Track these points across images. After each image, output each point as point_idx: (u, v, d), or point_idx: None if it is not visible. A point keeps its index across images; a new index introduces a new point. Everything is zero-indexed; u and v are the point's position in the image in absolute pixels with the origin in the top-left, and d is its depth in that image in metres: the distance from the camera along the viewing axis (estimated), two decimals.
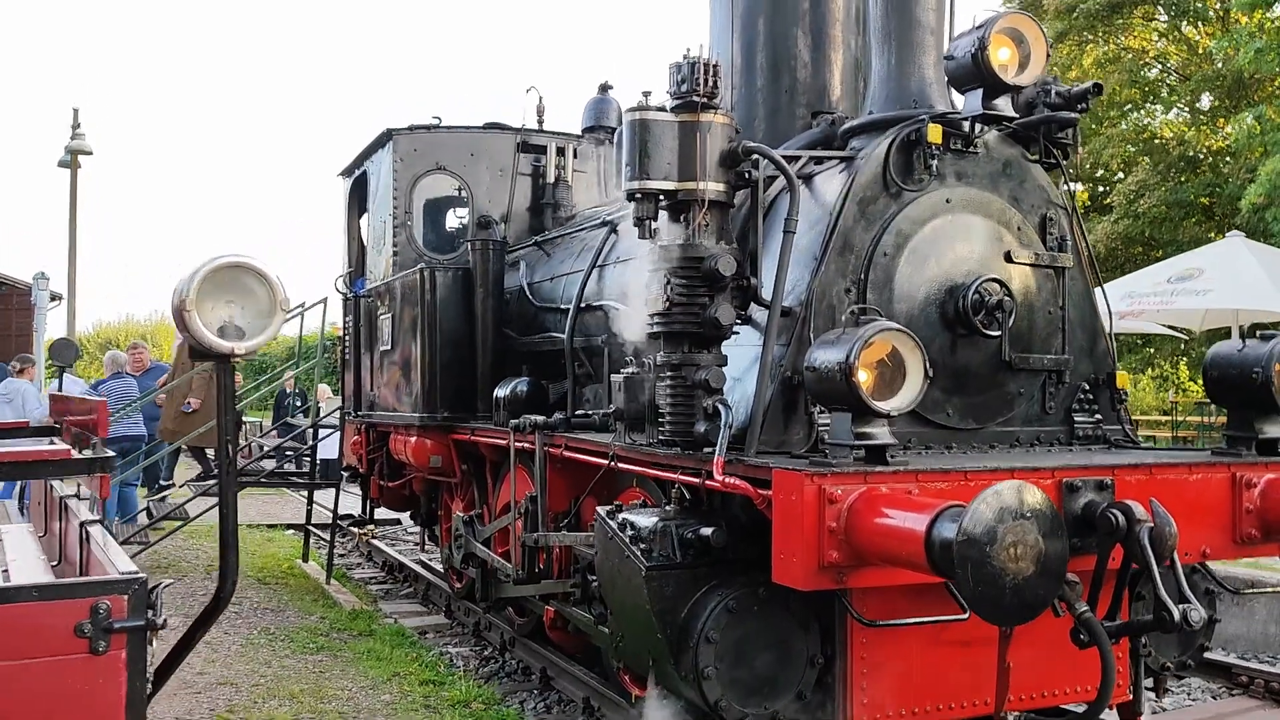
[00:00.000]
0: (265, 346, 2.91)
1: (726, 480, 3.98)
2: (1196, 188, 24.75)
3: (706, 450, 4.25)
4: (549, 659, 6.63)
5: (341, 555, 11.85)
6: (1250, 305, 13.47)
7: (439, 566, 9.66)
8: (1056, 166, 4.99)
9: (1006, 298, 4.52)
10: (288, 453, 13.78)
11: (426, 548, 10.62)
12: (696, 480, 4.32)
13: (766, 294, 4.44)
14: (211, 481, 10.44)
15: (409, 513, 10.19)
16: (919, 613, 3.99)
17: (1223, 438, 4.62)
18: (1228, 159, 24.42)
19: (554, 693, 6.40)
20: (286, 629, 7.45)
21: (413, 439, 7.82)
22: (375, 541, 11.91)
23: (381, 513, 13.04)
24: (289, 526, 12.79)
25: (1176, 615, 3.63)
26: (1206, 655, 6.91)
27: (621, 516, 4.42)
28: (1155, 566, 3.70)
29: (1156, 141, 25.71)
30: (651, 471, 4.71)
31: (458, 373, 7.62)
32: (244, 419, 21.27)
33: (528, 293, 7.58)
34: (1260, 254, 14.22)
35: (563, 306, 6.92)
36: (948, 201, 4.67)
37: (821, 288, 4.45)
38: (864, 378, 3.73)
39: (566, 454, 5.72)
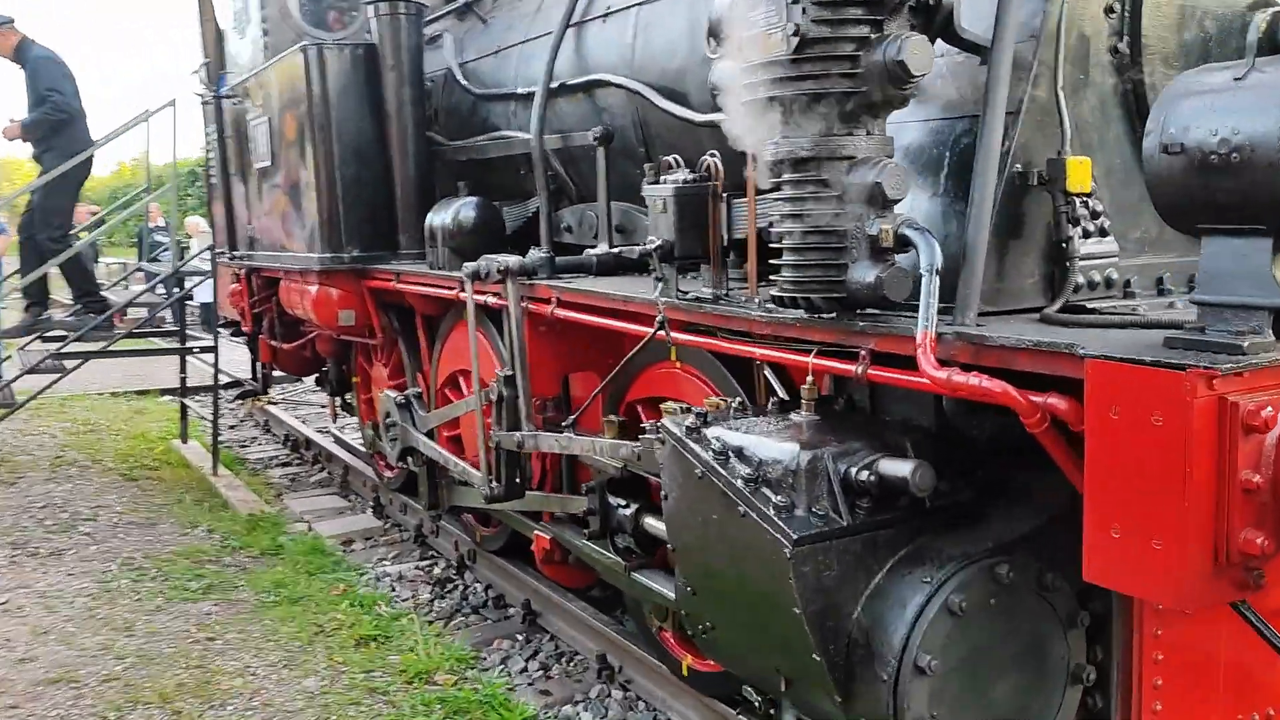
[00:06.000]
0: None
1: (955, 380, 2.06)
2: None
3: (871, 315, 2.34)
4: (533, 588, 4.81)
5: (231, 426, 9.69)
6: None
7: (358, 443, 7.67)
8: None
9: None
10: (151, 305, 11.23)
11: (340, 418, 8.59)
12: (850, 370, 2.41)
13: (970, 23, 2.42)
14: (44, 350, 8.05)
15: (313, 376, 8.11)
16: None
17: None
18: None
19: (546, 637, 4.61)
20: (159, 556, 5.45)
21: (312, 289, 5.69)
22: (272, 409, 9.76)
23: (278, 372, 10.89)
24: (164, 392, 10.52)
25: None
26: None
27: (716, 436, 2.48)
28: None
29: None
30: (762, 353, 2.75)
31: (368, 195, 5.50)
32: (101, 258, 18.43)
33: (459, 77, 5.36)
34: None
35: (520, 92, 4.79)
36: None
37: (1069, 6, 2.44)
38: None
39: (559, 314, 3.73)
